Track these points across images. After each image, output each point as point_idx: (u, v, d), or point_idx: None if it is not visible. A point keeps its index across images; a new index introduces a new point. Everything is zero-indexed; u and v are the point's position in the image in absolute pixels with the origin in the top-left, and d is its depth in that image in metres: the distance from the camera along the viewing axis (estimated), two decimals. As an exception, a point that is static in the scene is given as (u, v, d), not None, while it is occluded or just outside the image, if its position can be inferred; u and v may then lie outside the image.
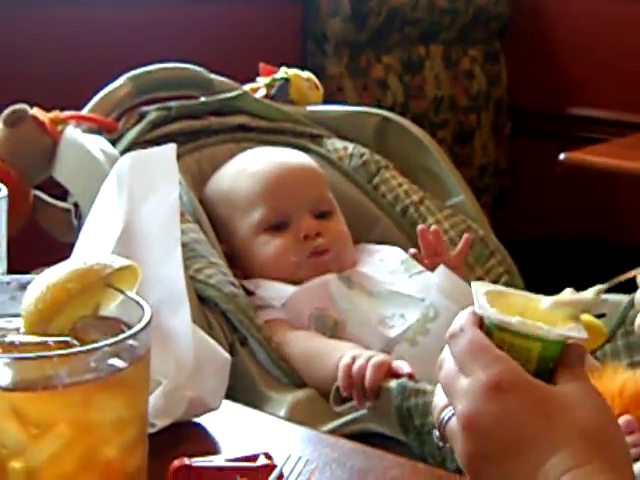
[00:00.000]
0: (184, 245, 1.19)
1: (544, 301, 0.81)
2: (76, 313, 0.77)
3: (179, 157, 1.13)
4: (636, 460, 1.12)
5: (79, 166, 1.60)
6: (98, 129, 1.70)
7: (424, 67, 3.07)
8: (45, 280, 0.76)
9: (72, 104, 1.71)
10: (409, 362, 1.38)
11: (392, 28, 2.96)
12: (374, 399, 1.35)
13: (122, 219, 1.06)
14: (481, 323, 0.79)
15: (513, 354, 0.77)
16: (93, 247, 1.07)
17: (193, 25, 2.59)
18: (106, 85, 1.75)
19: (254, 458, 0.89)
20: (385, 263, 1.65)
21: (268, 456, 0.90)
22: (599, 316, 1.44)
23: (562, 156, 2.59)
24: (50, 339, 0.74)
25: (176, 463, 0.88)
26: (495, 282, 1.69)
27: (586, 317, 1.24)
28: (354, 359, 1.38)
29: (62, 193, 1.69)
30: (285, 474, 0.89)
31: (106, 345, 0.70)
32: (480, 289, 0.81)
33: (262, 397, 1.43)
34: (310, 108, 1.91)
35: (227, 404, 1.06)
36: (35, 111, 1.66)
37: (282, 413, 1.39)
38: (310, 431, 1.08)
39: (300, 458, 0.92)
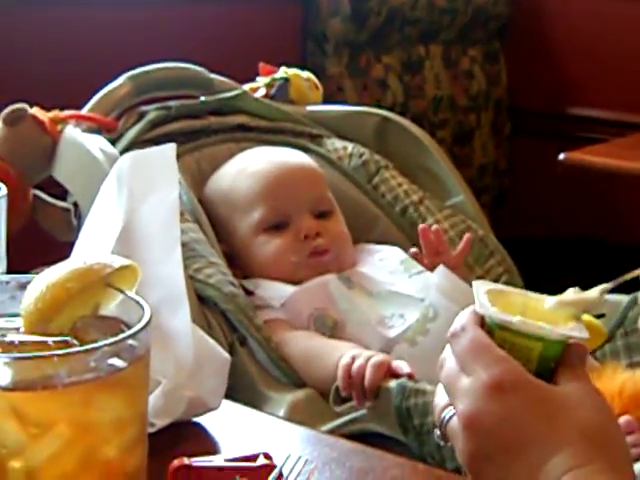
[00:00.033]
0: (183, 245, 1.19)
1: (547, 300, 0.81)
2: (76, 313, 0.77)
3: (179, 157, 1.13)
4: (636, 460, 1.12)
5: (79, 165, 1.60)
6: (98, 128, 1.70)
7: (424, 67, 3.07)
8: (45, 280, 0.76)
9: (72, 103, 1.71)
10: (409, 362, 1.38)
11: (392, 28, 2.96)
12: (373, 399, 1.35)
13: (122, 218, 1.06)
14: (482, 322, 0.79)
15: (514, 353, 0.77)
16: (93, 247, 1.07)
17: (193, 25, 2.59)
18: (106, 85, 1.74)
19: (254, 458, 0.89)
20: (385, 263, 1.65)
21: (267, 456, 0.90)
22: (598, 316, 1.44)
23: (562, 156, 2.59)
24: (50, 339, 0.73)
25: (176, 463, 0.88)
26: (495, 282, 1.69)
27: (585, 317, 1.23)
28: (354, 359, 1.38)
29: (62, 192, 1.69)
30: (284, 474, 0.89)
31: (106, 345, 0.70)
32: (481, 288, 0.81)
33: (261, 397, 1.43)
34: (310, 108, 1.90)
35: (227, 404, 1.06)
36: (35, 110, 1.66)
37: (281, 413, 1.39)
38: (309, 431, 1.08)
39: (299, 458, 0.92)
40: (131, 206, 1.07)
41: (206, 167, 1.73)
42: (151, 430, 0.91)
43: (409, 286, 1.58)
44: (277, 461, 0.89)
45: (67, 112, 1.69)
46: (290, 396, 1.42)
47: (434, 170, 1.83)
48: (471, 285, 0.82)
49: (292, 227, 1.61)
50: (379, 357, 1.38)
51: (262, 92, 1.88)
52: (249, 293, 1.56)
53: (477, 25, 3.20)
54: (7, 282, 0.81)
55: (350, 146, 1.83)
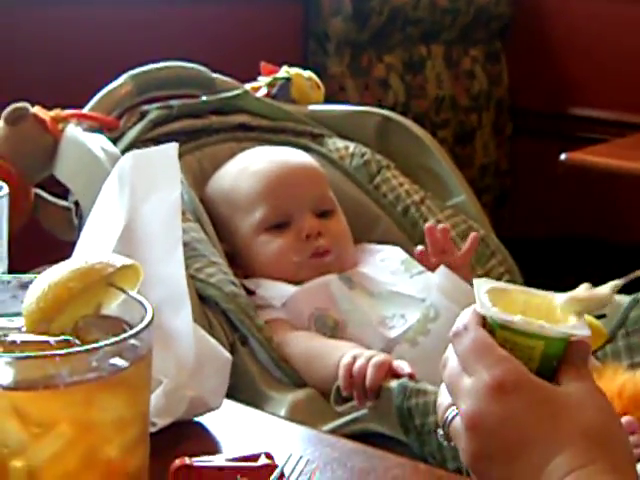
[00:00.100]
0: (185, 244, 1.19)
1: (557, 297, 0.81)
2: (78, 312, 0.76)
3: (180, 156, 1.12)
4: (637, 461, 1.12)
5: (80, 164, 1.60)
6: (99, 128, 1.70)
7: (425, 67, 3.07)
8: (47, 279, 0.76)
9: (73, 102, 1.71)
10: (409, 363, 1.38)
11: (393, 28, 2.96)
12: (375, 399, 1.35)
13: (123, 218, 1.06)
14: (484, 321, 0.79)
15: (516, 352, 0.77)
16: (94, 246, 1.07)
17: (194, 24, 2.59)
18: (107, 84, 1.74)
19: (255, 458, 0.89)
20: (386, 263, 1.65)
21: (269, 456, 0.90)
22: (600, 317, 1.44)
23: (563, 156, 2.59)
24: (52, 338, 0.73)
25: (177, 462, 0.88)
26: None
27: (587, 317, 1.23)
28: (355, 359, 1.38)
29: (63, 192, 1.69)
30: (286, 474, 0.89)
31: (108, 344, 0.70)
32: (482, 287, 0.81)
33: (263, 397, 1.43)
34: (311, 107, 1.90)
35: (228, 403, 1.06)
36: (36, 109, 1.66)
37: (282, 413, 1.38)
38: (311, 431, 1.08)
39: (301, 458, 0.92)
40: (133, 205, 1.07)
41: (207, 166, 1.73)
42: (152, 430, 0.91)
43: (410, 286, 1.58)
44: (278, 461, 0.89)
45: (68, 111, 1.69)
46: (291, 396, 1.42)
47: (435, 170, 1.83)
48: (473, 285, 0.82)
49: (294, 227, 1.61)
50: (380, 357, 1.38)
51: (264, 91, 1.88)
52: (250, 293, 1.56)
53: (479, 25, 3.20)
54: (8, 281, 0.81)
55: (352, 146, 1.83)
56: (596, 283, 0.83)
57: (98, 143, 1.60)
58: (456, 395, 0.77)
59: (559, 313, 0.81)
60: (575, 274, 1.46)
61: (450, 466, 1.22)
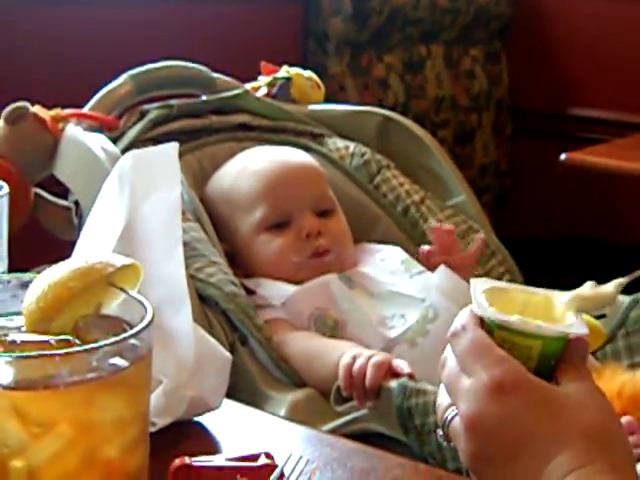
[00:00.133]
0: (185, 244, 1.19)
1: (557, 296, 0.81)
2: (78, 312, 0.76)
3: (180, 156, 1.12)
4: (637, 461, 1.12)
5: (80, 164, 1.60)
6: (99, 127, 1.70)
7: (425, 67, 3.07)
8: (47, 278, 0.76)
9: (73, 102, 1.71)
10: (409, 363, 1.37)
11: (393, 27, 2.96)
12: (375, 399, 1.35)
13: (123, 217, 1.06)
14: (482, 321, 0.79)
15: (514, 352, 0.76)
16: (94, 245, 1.07)
17: (194, 24, 2.58)
18: (107, 83, 1.74)
19: (255, 458, 0.89)
20: (386, 263, 1.64)
21: (269, 456, 0.90)
22: (600, 317, 1.44)
23: (563, 156, 2.59)
24: (51, 338, 0.73)
25: (177, 462, 0.88)
26: (496, 281, 1.68)
27: (586, 318, 1.23)
28: (354, 359, 1.38)
29: (63, 191, 1.69)
30: (286, 474, 0.89)
31: (108, 344, 0.70)
32: (479, 286, 0.81)
33: (262, 396, 1.43)
34: (311, 107, 1.90)
35: (228, 403, 1.06)
36: (36, 109, 1.66)
37: (282, 413, 1.38)
38: (311, 431, 1.08)
39: (301, 458, 0.92)
40: (133, 205, 1.07)
41: (207, 166, 1.73)
42: (152, 429, 0.91)
43: (410, 286, 1.58)
44: (278, 461, 0.89)
45: (68, 110, 1.69)
46: (291, 396, 1.42)
47: (435, 170, 1.83)
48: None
49: (294, 226, 1.61)
50: (380, 357, 1.37)
51: (264, 91, 1.88)
52: (250, 292, 1.56)
53: (479, 25, 3.20)
54: (8, 281, 0.81)
55: (352, 145, 1.83)
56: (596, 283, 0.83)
57: (98, 143, 1.60)
58: (455, 396, 0.77)
59: (559, 311, 0.80)
60: (575, 274, 1.46)
61: (450, 466, 1.22)
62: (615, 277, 0.80)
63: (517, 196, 3.35)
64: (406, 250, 1.68)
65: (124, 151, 1.56)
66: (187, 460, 0.88)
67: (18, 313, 0.78)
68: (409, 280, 1.60)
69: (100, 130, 1.69)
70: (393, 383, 1.33)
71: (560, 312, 0.80)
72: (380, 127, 1.87)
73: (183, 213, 1.48)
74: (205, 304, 1.49)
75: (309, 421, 1.28)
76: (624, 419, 1.17)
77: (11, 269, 0.98)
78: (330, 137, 1.85)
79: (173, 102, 1.75)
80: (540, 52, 3.32)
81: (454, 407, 0.77)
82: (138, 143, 1.64)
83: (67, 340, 0.73)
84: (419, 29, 3.03)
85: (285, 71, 1.90)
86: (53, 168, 1.65)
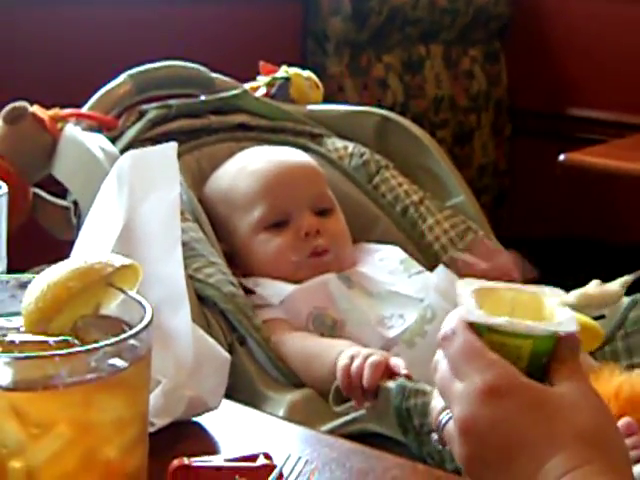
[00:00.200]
0: (183, 244, 1.19)
1: (546, 292, 0.81)
2: (77, 312, 0.76)
3: (179, 156, 1.12)
4: (637, 462, 1.12)
5: (78, 164, 1.60)
6: (98, 127, 1.70)
7: (424, 67, 3.07)
8: (46, 279, 0.76)
9: (72, 102, 1.71)
10: (407, 364, 1.37)
11: (392, 27, 2.96)
12: (373, 399, 1.35)
13: (122, 217, 1.06)
14: (471, 323, 0.78)
15: (504, 353, 0.76)
16: (93, 245, 1.07)
17: (193, 23, 2.58)
18: (106, 83, 1.74)
19: (253, 458, 0.89)
20: (385, 263, 1.65)
21: (267, 456, 0.89)
22: (598, 317, 1.44)
23: (561, 157, 2.59)
24: (50, 338, 0.73)
25: (175, 463, 0.88)
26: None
27: (583, 318, 1.23)
28: (352, 359, 1.38)
29: (61, 191, 1.69)
30: (285, 474, 0.89)
31: (107, 345, 0.70)
32: (467, 288, 0.81)
33: (261, 397, 1.43)
34: (310, 107, 1.90)
35: (226, 404, 1.06)
36: (35, 108, 1.66)
37: (281, 413, 1.38)
38: (309, 431, 1.08)
39: (300, 458, 0.91)
40: (131, 205, 1.07)
41: (206, 166, 1.73)
42: (151, 430, 0.91)
43: (409, 286, 1.58)
44: (277, 461, 0.89)
45: (67, 110, 1.69)
46: (289, 396, 1.42)
47: (434, 170, 1.83)
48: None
49: (292, 225, 1.61)
50: (377, 356, 1.37)
51: (263, 91, 1.88)
52: (249, 292, 1.56)
53: (478, 25, 3.20)
54: (7, 281, 0.81)
55: (351, 146, 1.83)
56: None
57: (97, 142, 1.60)
58: (448, 400, 0.77)
59: (548, 309, 0.80)
60: (574, 274, 1.46)
61: (449, 466, 1.22)
62: (614, 277, 0.81)
63: (516, 196, 3.35)
64: (405, 250, 1.68)
65: (123, 151, 1.56)
66: (186, 460, 0.88)
67: (17, 313, 0.77)
68: (408, 280, 1.60)
69: (99, 130, 1.69)
70: (391, 383, 1.33)
71: (549, 309, 0.80)
72: (379, 127, 1.87)
73: (182, 213, 1.47)
74: (204, 304, 1.49)
75: (308, 421, 1.28)
76: (624, 420, 1.17)
77: (10, 269, 0.98)
78: (329, 137, 1.85)
79: (172, 102, 1.75)
80: (539, 52, 3.32)
81: (448, 410, 0.77)
82: (137, 143, 1.64)
83: (66, 340, 0.73)
84: (418, 29, 3.03)
85: (284, 71, 1.90)
86: (52, 168, 1.65)
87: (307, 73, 1.93)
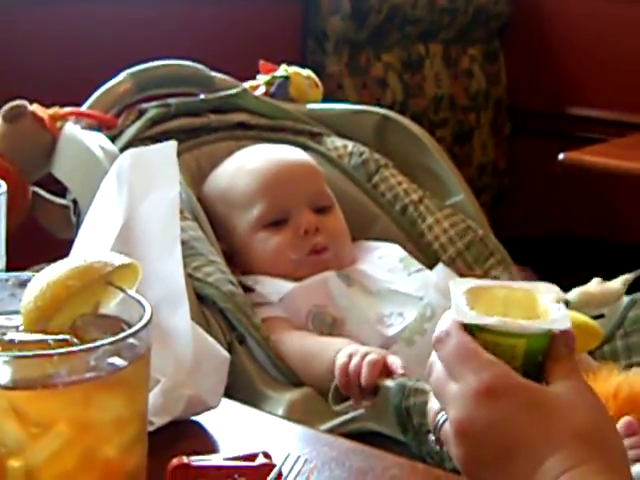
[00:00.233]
0: (183, 243, 1.19)
1: (540, 289, 0.81)
2: (76, 311, 0.76)
3: (178, 154, 1.12)
4: (636, 462, 1.11)
5: (78, 162, 1.60)
6: (97, 126, 1.70)
7: (424, 66, 3.07)
8: (45, 277, 0.76)
9: (72, 100, 1.71)
10: (406, 362, 1.37)
11: (392, 26, 2.95)
12: (371, 397, 1.35)
13: (122, 216, 1.06)
14: (465, 324, 0.78)
15: (498, 352, 0.76)
16: (92, 244, 1.07)
17: (193, 22, 2.58)
18: (106, 82, 1.74)
19: (253, 457, 0.89)
20: (384, 261, 1.64)
21: (267, 455, 0.89)
22: (598, 317, 1.44)
23: (561, 156, 2.59)
24: (50, 337, 0.73)
25: (174, 462, 0.87)
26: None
27: (583, 317, 1.23)
28: (350, 357, 1.38)
29: (61, 190, 1.69)
30: (284, 473, 0.89)
31: (106, 344, 0.70)
32: (459, 289, 0.81)
33: (260, 396, 1.43)
34: (310, 106, 1.90)
35: (226, 402, 1.06)
36: (35, 107, 1.66)
37: (280, 412, 1.38)
38: (309, 430, 1.08)
39: (299, 457, 0.91)
40: (131, 204, 1.07)
41: (205, 165, 1.72)
42: (150, 429, 0.91)
43: (408, 284, 1.58)
44: (276, 460, 0.89)
45: (67, 109, 1.69)
46: (289, 395, 1.42)
47: (434, 169, 1.83)
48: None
49: (291, 223, 1.61)
50: (374, 354, 1.37)
51: (262, 90, 1.88)
52: (248, 290, 1.56)
53: (477, 24, 3.20)
54: (7, 279, 0.81)
55: (350, 145, 1.83)
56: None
57: (96, 141, 1.60)
58: (444, 401, 0.77)
59: (542, 306, 0.80)
60: (573, 273, 1.46)
61: (448, 466, 1.21)
62: (614, 276, 0.81)
63: (515, 195, 3.35)
64: (404, 249, 1.68)
65: (122, 150, 1.55)
66: (185, 459, 0.87)
67: (16, 312, 0.77)
68: (407, 278, 1.60)
69: (98, 129, 1.69)
70: (391, 382, 1.33)
71: (543, 306, 0.80)
72: (378, 126, 1.87)
73: (181, 212, 1.47)
74: (203, 303, 1.49)
75: (307, 420, 1.28)
76: (625, 419, 1.17)
77: (9, 268, 0.98)
78: (328, 136, 1.85)
79: (171, 101, 1.75)
80: (539, 51, 3.32)
81: (445, 411, 0.77)
82: (136, 142, 1.64)
83: (65, 339, 0.73)
84: (418, 28, 3.03)
85: (283, 70, 1.90)
86: (51, 166, 1.64)
87: (307, 72, 1.93)
